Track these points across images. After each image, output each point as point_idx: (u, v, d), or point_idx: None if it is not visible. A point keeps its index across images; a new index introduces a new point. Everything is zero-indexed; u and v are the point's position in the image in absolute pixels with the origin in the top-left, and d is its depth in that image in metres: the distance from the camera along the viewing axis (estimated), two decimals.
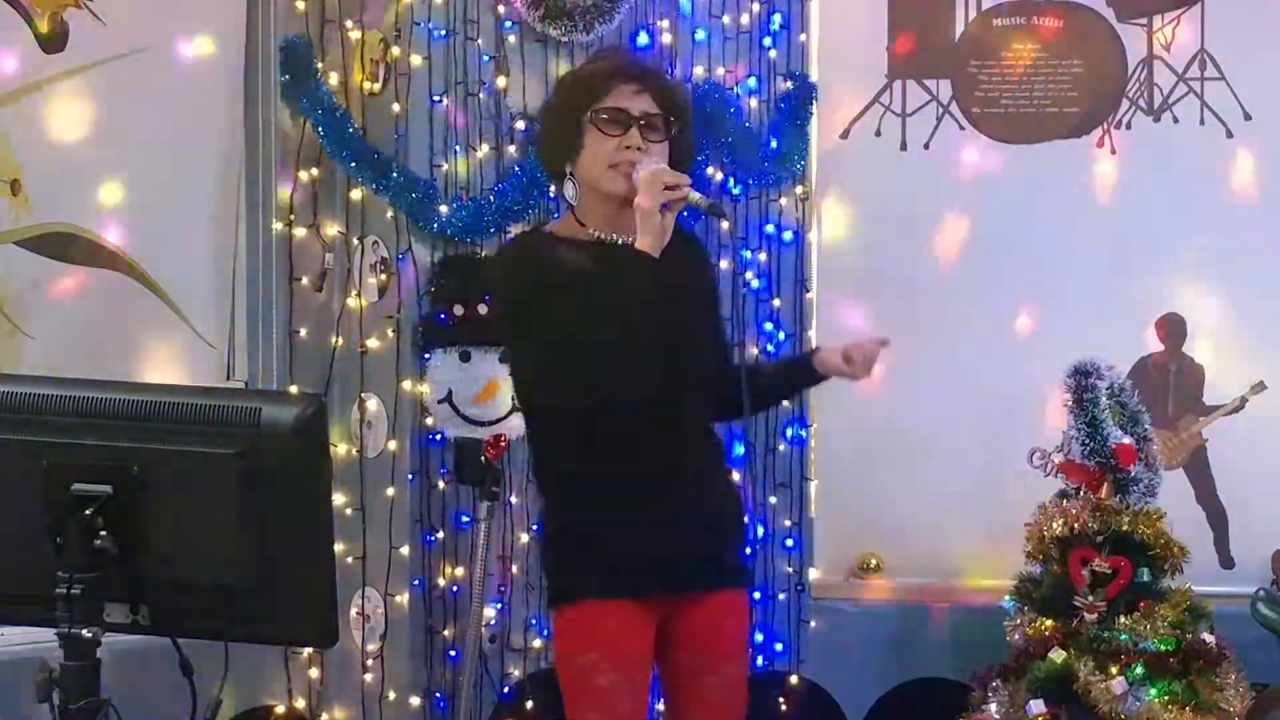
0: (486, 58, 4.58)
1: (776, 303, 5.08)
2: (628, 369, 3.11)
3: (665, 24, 4.92)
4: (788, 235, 5.11)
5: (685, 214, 3.34)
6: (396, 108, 4.40)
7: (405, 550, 4.41)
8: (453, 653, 4.50)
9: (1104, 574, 4.33)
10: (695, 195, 3.16)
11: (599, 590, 3.20)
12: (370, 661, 4.42)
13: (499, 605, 4.59)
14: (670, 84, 3.38)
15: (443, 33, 4.47)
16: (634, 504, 3.19)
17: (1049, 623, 4.37)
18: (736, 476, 3.52)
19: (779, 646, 5.05)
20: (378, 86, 4.42)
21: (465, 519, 4.51)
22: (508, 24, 4.62)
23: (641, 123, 3.20)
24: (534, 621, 4.68)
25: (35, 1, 3.81)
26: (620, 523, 3.18)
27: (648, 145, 3.19)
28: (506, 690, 4.64)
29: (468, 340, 4.40)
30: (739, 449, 4.71)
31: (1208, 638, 4.33)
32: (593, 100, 3.21)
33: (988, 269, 5.12)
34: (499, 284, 3.39)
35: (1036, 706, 4.24)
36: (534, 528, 4.66)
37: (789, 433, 5.09)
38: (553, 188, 4.51)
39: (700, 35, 4.96)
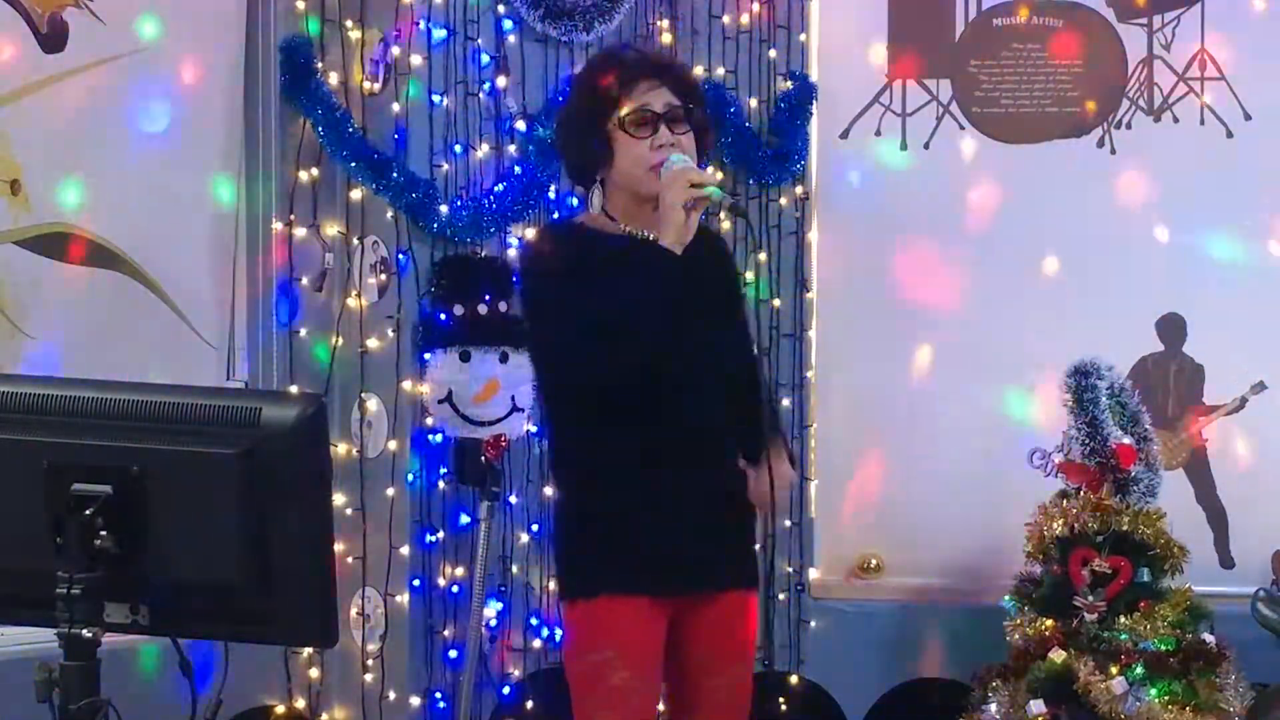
0: (486, 58, 4.58)
1: (776, 303, 5.08)
2: (646, 362, 3.11)
3: (665, 24, 4.92)
4: (788, 235, 5.11)
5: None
6: (396, 108, 4.40)
7: (405, 550, 4.41)
8: (453, 653, 4.50)
9: (1104, 574, 4.33)
10: (716, 194, 3.17)
11: (618, 585, 3.19)
12: (370, 661, 4.42)
13: (499, 605, 4.59)
14: (681, 69, 3.40)
15: (443, 33, 4.47)
16: (654, 499, 3.18)
17: (1049, 623, 4.37)
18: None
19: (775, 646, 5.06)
20: (378, 86, 4.42)
21: (465, 519, 4.51)
22: (508, 24, 4.62)
23: (667, 117, 3.21)
24: (534, 621, 4.68)
25: (35, 1, 3.81)
26: (642, 518, 3.18)
27: (677, 139, 3.20)
28: (506, 690, 4.64)
29: (468, 340, 4.39)
30: None
31: (1208, 638, 4.33)
32: (614, 106, 3.21)
33: (988, 269, 5.12)
34: (528, 269, 3.36)
35: (1036, 706, 4.24)
36: (534, 527, 4.67)
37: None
38: (552, 189, 4.56)
39: (700, 35, 4.97)
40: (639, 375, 3.13)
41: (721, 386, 3.28)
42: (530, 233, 4.41)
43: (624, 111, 3.20)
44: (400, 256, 4.42)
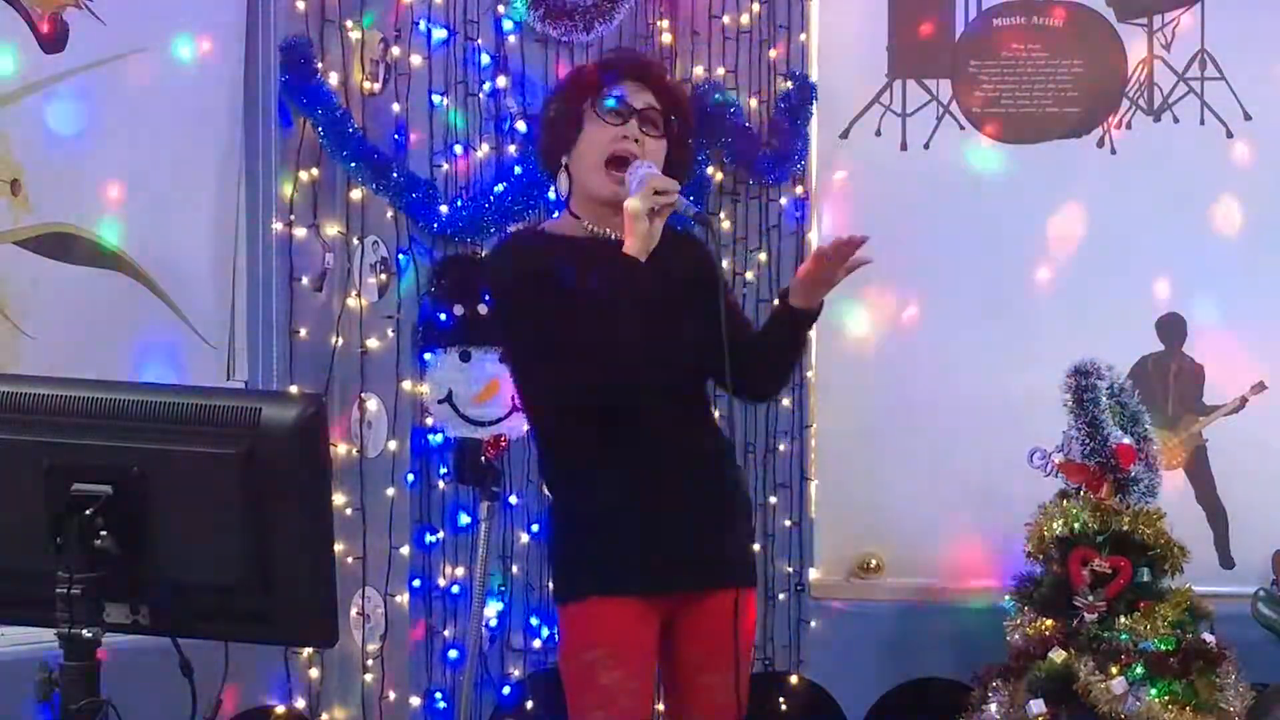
0: (486, 58, 4.58)
1: (776, 303, 5.06)
2: (613, 369, 3.11)
3: (665, 24, 4.92)
4: (788, 235, 5.11)
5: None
6: (396, 108, 4.40)
7: (405, 550, 4.41)
8: (453, 653, 4.50)
9: (1104, 574, 4.33)
10: (682, 202, 3.16)
11: (606, 587, 3.19)
12: (370, 661, 4.42)
13: (499, 605, 4.59)
14: (673, 83, 3.40)
15: (443, 33, 4.47)
16: (639, 500, 3.19)
17: (1049, 623, 4.37)
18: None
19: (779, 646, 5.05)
20: (378, 86, 4.42)
21: (465, 519, 4.51)
22: (508, 24, 4.62)
23: (641, 114, 3.21)
24: (534, 621, 4.68)
25: (35, 1, 3.81)
26: (628, 519, 3.18)
27: (644, 139, 3.20)
28: (506, 690, 4.64)
29: (468, 340, 4.40)
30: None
31: (1208, 638, 4.33)
32: (594, 92, 3.23)
33: (987, 269, 5.12)
34: (493, 280, 3.38)
35: (1036, 706, 4.24)
36: (534, 527, 4.67)
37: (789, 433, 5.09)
38: (553, 190, 4.55)
39: (700, 35, 4.97)
40: (612, 385, 3.13)
41: (703, 388, 3.28)
42: (495, 243, 4.36)
43: (601, 95, 3.22)
44: (400, 256, 4.42)
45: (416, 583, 4.44)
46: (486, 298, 4.24)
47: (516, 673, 4.66)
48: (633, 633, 3.21)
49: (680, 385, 3.25)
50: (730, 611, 3.27)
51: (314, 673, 4.41)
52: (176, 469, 2.21)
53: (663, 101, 3.25)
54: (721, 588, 3.27)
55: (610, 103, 3.21)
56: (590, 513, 3.23)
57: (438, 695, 4.49)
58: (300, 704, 4.40)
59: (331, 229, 4.43)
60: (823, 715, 5.04)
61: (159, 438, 2.21)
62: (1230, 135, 5.04)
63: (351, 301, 4.43)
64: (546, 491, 3.45)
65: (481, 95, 4.57)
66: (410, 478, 4.44)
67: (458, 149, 4.53)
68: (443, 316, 4.41)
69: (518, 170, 4.59)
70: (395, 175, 4.34)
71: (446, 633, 4.50)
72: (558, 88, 3.42)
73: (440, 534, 4.49)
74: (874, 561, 5.15)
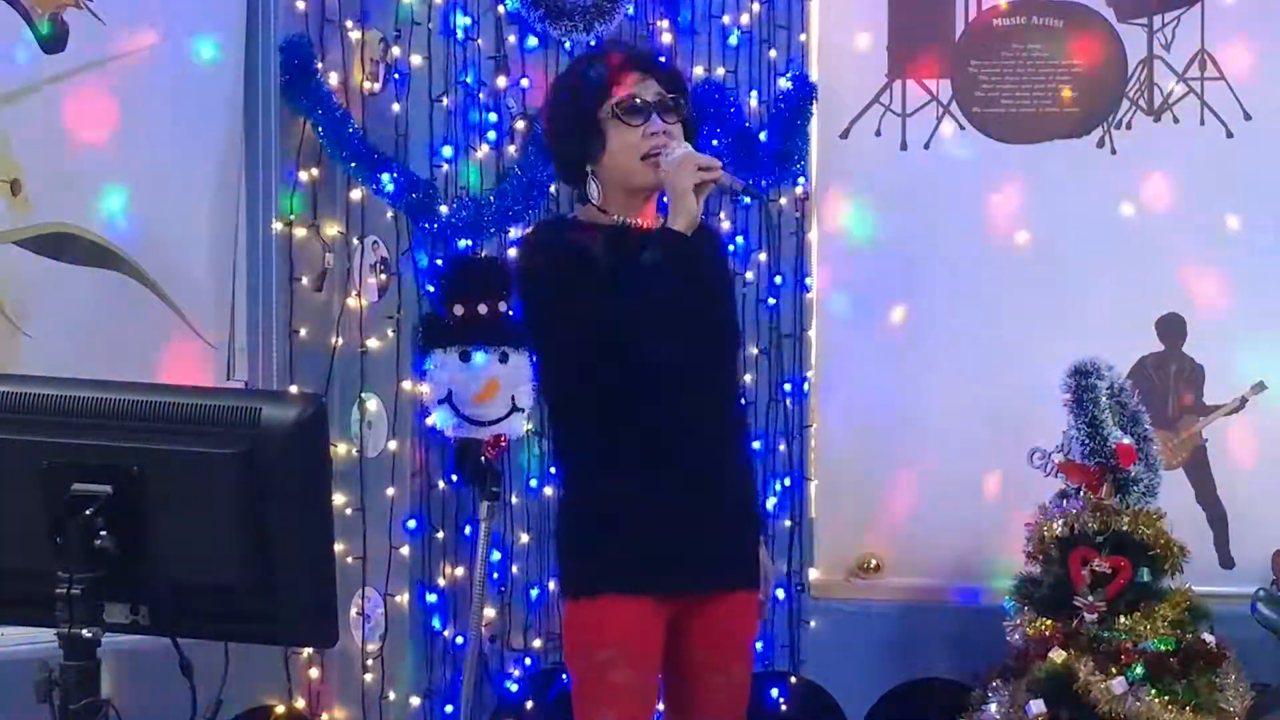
0: (487, 58, 4.58)
1: (776, 302, 5.07)
2: (661, 354, 3.12)
3: (665, 24, 4.92)
4: (788, 235, 5.10)
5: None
6: (396, 108, 4.40)
7: (405, 550, 4.41)
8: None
9: (1104, 574, 4.33)
10: (726, 178, 3.19)
11: (619, 586, 3.19)
12: (370, 661, 4.42)
13: (499, 605, 4.59)
14: (668, 65, 3.44)
15: (442, 32, 4.47)
16: (657, 498, 3.18)
17: (1049, 623, 4.37)
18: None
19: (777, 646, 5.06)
20: (378, 86, 4.42)
21: (467, 525, 4.51)
22: (508, 24, 4.62)
23: (657, 106, 3.23)
24: (534, 621, 4.68)
25: (35, 1, 3.81)
26: (644, 517, 3.18)
27: (669, 128, 3.22)
28: (511, 688, 4.64)
29: (468, 340, 4.39)
30: None
31: (1208, 638, 4.33)
32: (605, 96, 3.23)
33: (987, 269, 5.12)
34: (529, 271, 3.33)
35: (1036, 706, 4.24)
36: (529, 529, 4.67)
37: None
38: (553, 187, 4.56)
39: (700, 35, 4.97)
40: (652, 371, 3.13)
41: (724, 383, 3.28)
42: (524, 233, 4.38)
43: (616, 99, 3.22)
44: (400, 257, 4.42)
45: (416, 582, 4.43)
46: (515, 286, 4.21)
47: (516, 673, 4.66)
48: (643, 633, 3.21)
49: (705, 378, 3.23)
50: (737, 614, 3.29)
51: (314, 673, 4.41)
52: (176, 469, 2.20)
53: (666, 86, 3.27)
54: (731, 590, 3.28)
55: (628, 105, 3.22)
56: (607, 509, 3.22)
57: (438, 695, 4.48)
58: (300, 704, 4.40)
59: (331, 229, 4.43)
60: (823, 715, 5.04)
61: (159, 438, 2.21)
62: (1230, 135, 5.04)
63: (351, 301, 4.43)
64: (559, 484, 3.45)
65: (481, 95, 4.56)
66: (410, 478, 4.43)
67: (446, 151, 4.51)
68: (443, 316, 4.40)
69: (516, 169, 4.58)
70: (395, 175, 4.34)
71: (446, 633, 4.50)
72: (561, 95, 3.40)
73: (440, 534, 4.48)
74: (874, 561, 5.15)
